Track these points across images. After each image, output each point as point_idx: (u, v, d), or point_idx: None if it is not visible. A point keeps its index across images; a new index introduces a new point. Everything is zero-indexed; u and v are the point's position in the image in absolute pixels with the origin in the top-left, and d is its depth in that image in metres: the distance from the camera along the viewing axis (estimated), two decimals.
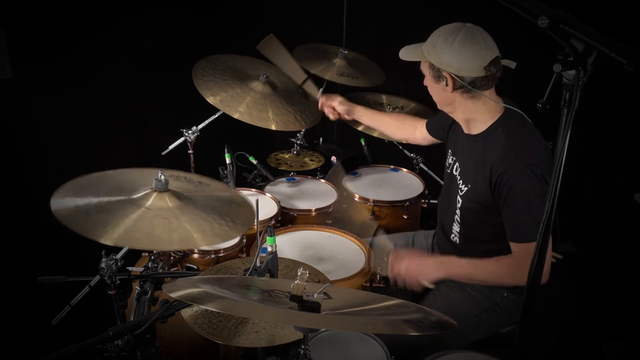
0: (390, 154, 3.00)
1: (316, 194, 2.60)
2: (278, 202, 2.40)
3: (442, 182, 2.77)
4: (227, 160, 2.48)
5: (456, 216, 1.97)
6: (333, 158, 2.87)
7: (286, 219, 2.41)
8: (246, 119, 2.26)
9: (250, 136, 2.57)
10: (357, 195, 2.55)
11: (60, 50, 2.60)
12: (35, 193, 1.75)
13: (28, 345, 2.29)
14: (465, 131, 1.94)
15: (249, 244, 2.15)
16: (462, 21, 1.80)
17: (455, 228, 1.99)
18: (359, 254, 2.14)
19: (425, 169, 2.94)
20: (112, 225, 1.40)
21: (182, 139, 2.40)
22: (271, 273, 1.52)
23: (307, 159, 2.88)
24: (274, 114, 2.34)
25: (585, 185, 3.24)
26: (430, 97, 1.94)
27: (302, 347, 1.28)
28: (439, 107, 1.94)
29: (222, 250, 2.08)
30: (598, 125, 2.96)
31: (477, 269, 1.81)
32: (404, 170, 2.88)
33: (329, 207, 2.46)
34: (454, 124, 2.02)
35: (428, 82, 1.88)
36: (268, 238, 1.53)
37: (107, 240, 1.36)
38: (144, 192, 1.55)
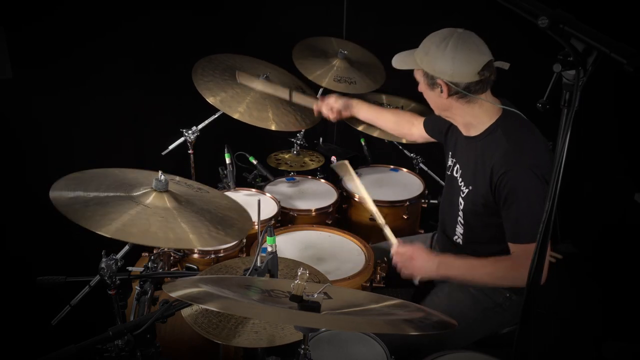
0: (390, 154, 3.00)
1: (316, 194, 2.60)
2: (278, 202, 2.40)
3: (442, 183, 2.78)
4: (227, 160, 2.48)
5: (459, 218, 1.97)
6: (333, 158, 2.87)
7: (286, 219, 2.41)
8: (246, 119, 2.26)
9: (250, 136, 2.57)
10: (357, 195, 2.56)
11: (60, 50, 2.60)
12: (35, 193, 1.75)
13: (28, 345, 2.29)
14: (464, 133, 1.94)
15: (249, 244, 2.15)
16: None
17: (459, 230, 1.99)
18: (359, 254, 2.14)
19: (425, 169, 2.94)
20: (109, 218, 1.41)
21: (182, 139, 2.40)
22: (271, 273, 1.52)
23: (307, 159, 2.88)
24: (274, 114, 2.34)
25: (585, 185, 3.24)
26: None
27: (302, 347, 1.28)
28: (436, 112, 1.94)
29: (222, 251, 2.08)
30: (598, 125, 2.96)
31: (474, 270, 1.81)
32: (404, 170, 2.88)
33: (329, 207, 2.46)
34: (452, 126, 2.01)
35: (423, 88, 1.87)
36: (268, 238, 1.53)
37: (103, 231, 1.37)
38: (144, 191, 1.56)
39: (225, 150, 2.49)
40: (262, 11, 3.32)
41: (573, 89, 1.02)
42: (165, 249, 1.96)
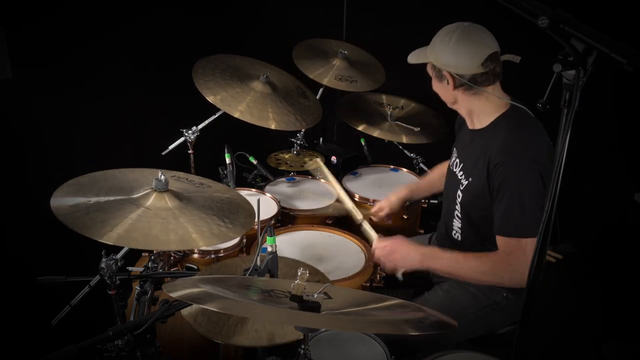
0: (390, 154, 3.00)
1: (316, 194, 2.60)
2: (278, 202, 2.40)
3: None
4: (227, 160, 2.48)
5: (456, 212, 1.97)
6: (333, 158, 2.87)
7: (286, 219, 2.41)
8: (247, 117, 2.26)
9: (250, 136, 2.57)
10: (357, 195, 2.56)
11: (60, 50, 2.60)
12: (36, 193, 1.75)
13: (28, 345, 2.29)
14: (470, 127, 1.96)
15: (249, 243, 2.15)
16: (462, 21, 1.81)
17: (457, 224, 1.99)
18: (359, 253, 2.14)
19: (425, 169, 2.93)
20: (110, 225, 1.41)
21: (182, 139, 2.40)
22: (271, 273, 1.52)
23: (307, 159, 2.88)
24: (274, 113, 2.34)
25: (585, 185, 3.24)
26: (431, 97, 1.96)
27: (302, 347, 1.28)
28: (447, 105, 1.96)
29: (222, 250, 2.08)
30: (598, 125, 2.96)
31: (459, 263, 1.80)
32: (404, 170, 2.88)
33: (329, 207, 2.46)
34: (463, 124, 2.03)
35: (433, 81, 1.92)
36: (268, 238, 1.53)
37: (105, 239, 1.36)
38: (144, 192, 1.56)
39: (225, 150, 2.49)
40: (262, 11, 3.32)
41: (573, 89, 1.02)
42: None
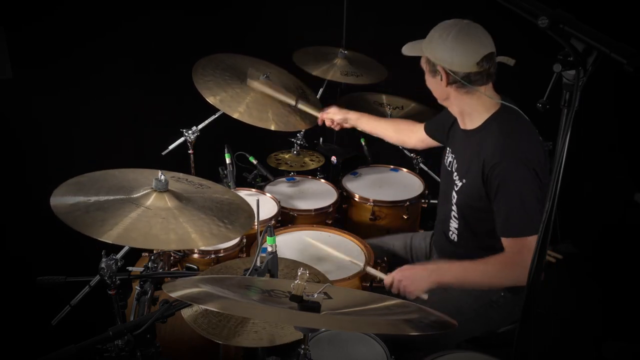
0: (390, 154, 2.99)
1: (316, 194, 2.60)
2: (278, 202, 2.40)
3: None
4: (227, 160, 2.48)
5: (453, 212, 1.97)
6: (333, 158, 2.87)
7: (286, 219, 2.41)
8: (246, 118, 2.26)
9: (250, 136, 2.57)
10: (357, 195, 2.55)
11: (60, 50, 2.61)
12: (36, 193, 1.75)
13: (28, 345, 2.29)
14: (462, 126, 1.96)
15: (249, 244, 2.15)
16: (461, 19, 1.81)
17: (453, 225, 1.99)
18: (359, 254, 2.14)
19: (425, 169, 2.94)
20: (110, 223, 1.41)
21: (182, 139, 2.40)
22: (271, 273, 1.52)
23: (307, 159, 2.88)
24: (274, 114, 2.34)
25: (585, 185, 3.24)
26: (430, 96, 1.96)
27: (302, 347, 1.28)
28: (438, 101, 1.96)
29: (222, 251, 2.08)
30: (598, 125, 2.96)
31: (468, 271, 1.81)
32: (404, 170, 2.88)
33: (329, 207, 2.46)
34: (454, 122, 2.02)
35: (426, 75, 1.91)
36: (268, 238, 1.53)
37: (105, 237, 1.37)
38: (144, 192, 1.56)
39: (225, 150, 2.49)
40: (262, 11, 3.32)
41: (573, 89, 1.02)
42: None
